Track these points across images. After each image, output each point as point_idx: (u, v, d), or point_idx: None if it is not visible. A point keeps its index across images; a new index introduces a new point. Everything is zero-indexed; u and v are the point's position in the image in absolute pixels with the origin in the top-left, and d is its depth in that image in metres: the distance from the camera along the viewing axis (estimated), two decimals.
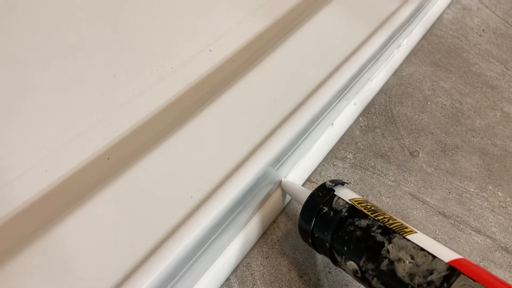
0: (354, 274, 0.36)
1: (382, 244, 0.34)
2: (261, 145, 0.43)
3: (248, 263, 0.46)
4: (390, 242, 0.34)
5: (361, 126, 0.61)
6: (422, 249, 0.33)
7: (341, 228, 0.37)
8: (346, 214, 0.38)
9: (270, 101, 0.47)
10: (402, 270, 0.33)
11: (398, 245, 0.34)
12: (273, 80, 0.50)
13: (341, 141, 0.59)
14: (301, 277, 0.45)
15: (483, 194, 0.55)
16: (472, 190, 0.55)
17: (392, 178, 0.55)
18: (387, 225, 0.36)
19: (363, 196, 0.52)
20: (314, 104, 0.47)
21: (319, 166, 0.55)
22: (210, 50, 0.55)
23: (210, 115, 0.45)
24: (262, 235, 0.48)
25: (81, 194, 0.38)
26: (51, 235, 0.35)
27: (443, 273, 0.31)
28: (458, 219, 0.52)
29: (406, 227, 0.36)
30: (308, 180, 0.54)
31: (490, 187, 0.56)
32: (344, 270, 0.38)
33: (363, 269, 0.35)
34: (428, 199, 0.53)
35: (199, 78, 0.51)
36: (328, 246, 0.38)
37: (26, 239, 0.35)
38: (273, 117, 0.46)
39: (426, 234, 0.35)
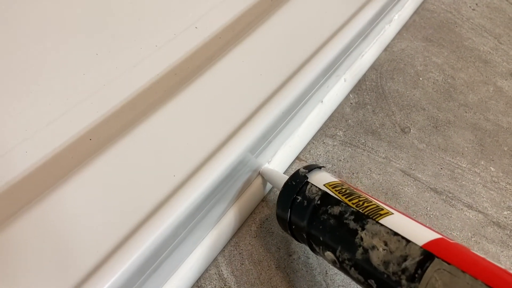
0: (333, 264, 0.35)
1: (355, 232, 0.33)
2: (248, 120, 0.42)
3: (236, 243, 0.45)
4: (363, 229, 0.33)
5: (351, 103, 0.60)
6: (395, 234, 0.31)
7: (315, 218, 0.36)
8: (319, 202, 0.37)
9: (256, 78, 0.46)
10: (376, 258, 0.31)
11: (371, 232, 0.32)
12: (260, 57, 0.48)
13: (331, 118, 0.58)
14: (290, 255, 0.45)
15: (475, 169, 0.54)
16: (464, 165, 0.54)
17: (383, 155, 0.54)
18: (361, 210, 0.34)
19: (350, 174, 0.52)
20: (301, 81, 0.46)
21: (308, 144, 0.55)
22: (196, 27, 0.53)
23: (194, 93, 0.44)
24: (251, 214, 0.48)
25: (62, 176, 0.37)
26: (21, 223, 0.34)
27: (417, 259, 0.29)
28: (450, 195, 0.51)
29: (381, 209, 0.34)
30: (298, 158, 0.53)
31: (483, 162, 0.55)
32: (324, 259, 0.37)
33: (340, 259, 0.34)
34: (419, 176, 0.53)
35: (184, 56, 0.50)
36: (305, 236, 0.37)
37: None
38: (259, 94, 0.44)
39: (403, 214, 0.34)
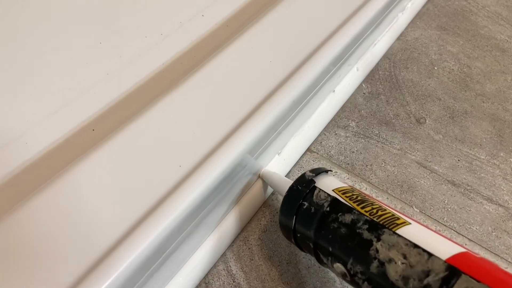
0: (343, 277, 0.32)
1: (370, 243, 0.30)
2: (256, 110, 0.40)
3: (246, 237, 0.43)
4: (378, 240, 0.30)
5: (364, 93, 0.58)
6: (416, 246, 0.28)
7: (324, 226, 0.33)
8: (328, 208, 0.33)
9: (264, 66, 0.44)
10: (394, 272, 0.28)
11: (388, 243, 0.29)
12: (268, 45, 0.47)
13: (343, 109, 0.56)
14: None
15: (494, 161, 0.52)
16: (482, 157, 0.52)
17: (398, 147, 0.52)
18: (375, 219, 0.31)
19: (363, 166, 0.50)
20: (311, 69, 0.44)
21: (320, 135, 0.53)
22: (203, 15, 0.51)
23: (199, 83, 0.42)
24: (260, 207, 0.46)
25: (65, 165, 0.36)
26: (23, 212, 0.33)
27: (441, 274, 0.26)
28: (468, 187, 0.49)
29: (398, 218, 0.31)
30: (309, 150, 0.51)
31: (502, 154, 0.52)
32: (332, 272, 0.34)
33: (351, 272, 0.31)
34: (436, 168, 0.51)
35: (190, 45, 0.48)
36: (312, 246, 0.34)
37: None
38: (268, 83, 0.43)
39: (420, 224, 0.31)
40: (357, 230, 0.31)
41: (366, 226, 0.31)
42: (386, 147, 0.52)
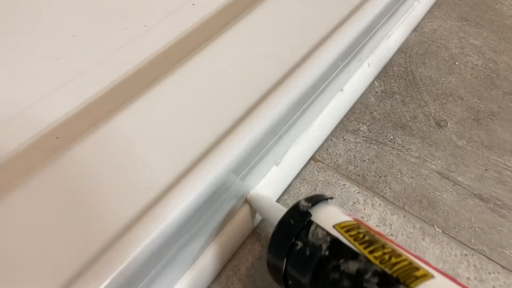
0: None
1: None
2: (248, 113, 0.33)
3: (236, 266, 0.37)
4: None
5: (376, 92, 0.51)
6: None
7: (321, 275, 0.27)
8: (327, 252, 0.27)
9: (260, 61, 0.38)
10: None
11: None
12: (266, 36, 0.41)
13: (353, 110, 0.50)
14: None
15: None
16: None
17: (416, 154, 0.45)
18: (388, 269, 0.24)
19: (376, 178, 0.43)
20: (315, 65, 0.38)
21: (326, 141, 0.46)
22: (193, 4, 0.45)
23: (183, 80, 0.36)
24: (252, 231, 0.39)
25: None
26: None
27: None
28: (498, 202, 0.42)
29: (417, 269, 0.24)
30: (313, 159, 0.45)
31: None
32: None
33: None
34: (460, 179, 0.44)
35: (178, 37, 0.42)
36: None
37: None
38: (264, 82, 0.36)
39: (446, 277, 0.25)
40: (364, 284, 0.24)
41: (375, 280, 0.24)
42: (402, 155, 0.45)
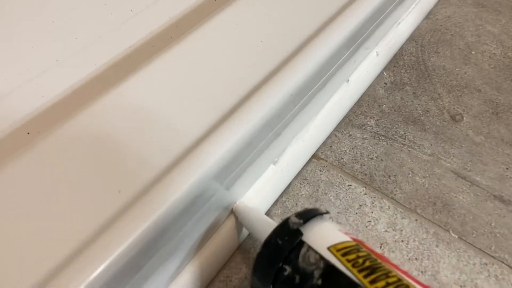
0: None
1: None
2: (238, 107, 0.29)
3: (228, 276, 0.33)
4: None
5: (386, 83, 0.47)
6: None
7: None
8: (320, 281, 0.23)
9: (254, 47, 0.34)
10: None
11: None
12: (261, 18, 0.37)
13: (359, 103, 0.46)
14: None
15: None
16: None
17: (429, 151, 0.42)
18: None
19: (385, 177, 0.39)
20: (316, 52, 0.34)
21: (329, 137, 0.43)
22: None
23: (168, 66, 0.33)
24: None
25: None
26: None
27: None
28: None
29: None
30: (315, 156, 0.41)
31: None
32: None
33: None
34: (478, 179, 0.40)
35: (167, 23, 0.38)
36: None
37: None
38: (257, 71, 0.32)
39: None
40: None
41: None
42: (414, 152, 0.41)
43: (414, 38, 0.53)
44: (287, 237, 0.25)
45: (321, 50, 0.34)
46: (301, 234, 0.25)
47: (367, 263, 0.23)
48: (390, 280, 0.22)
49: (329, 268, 0.23)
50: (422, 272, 0.33)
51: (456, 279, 0.33)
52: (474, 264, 0.34)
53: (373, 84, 0.48)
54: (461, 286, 0.33)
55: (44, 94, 0.32)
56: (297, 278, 0.24)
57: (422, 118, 0.45)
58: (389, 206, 0.37)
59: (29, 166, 0.27)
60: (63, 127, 0.29)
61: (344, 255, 0.23)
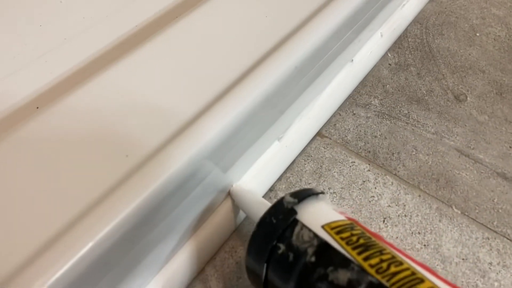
0: None
1: None
2: (237, 83, 0.29)
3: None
4: None
5: (390, 64, 0.47)
6: None
7: (305, 284, 0.23)
8: (313, 258, 0.23)
9: (258, 22, 0.34)
10: None
11: None
12: None
13: (363, 83, 0.46)
14: None
15: None
16: None
17: (433, 130, 0.42)
18: (386, 281, 0.20)
19: (389, 155, 0.39)
20: (318, 29, 0.34)
21: (334, 116, 0.43)
22: None
23: (171, 41, 0.33)
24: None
25: None
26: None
27: None
28: None
29: (421, 281, 0.20)
30: (319, 134, 0.41)
31: None
32: None
33: None
34: (481, 156, 0.40)
35: (174, 2, 0.38)
36: None
37: None
38: (260, 45, 0.32)
39: (452, 285, 0.21)
40: None
41: None
42: (417, 131, 0.41)
43: (418, 20, 0.53)
44: (281, 216, 0.25)
45: (325, 25, 0.34)
46: (295, 212, 0.25)
47: (361, 241, 0.23)
48: (384, 257, 0.21)
49: (323, 246, 0.23)
50: (424, 245, 0.34)
51: (458, 252, 0.33)
52: (476, 239, 0.34)
53: (377, 64, 0.48)
54: (463, 259, 0.33)
55: (52, 71, 0.33)
56: (291, 256, 0.23)
57: (426, 98, 0.45)
58: (392, 182, 0.38)
59: (37, 135, 0.27)
60: (71, 100, 0.30)
61: (338, 233, 0.23)
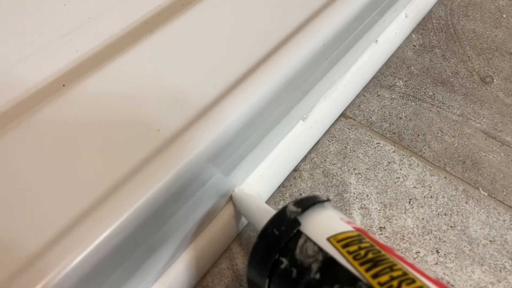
0: None
1: None
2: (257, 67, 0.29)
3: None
4: None
5: (414, 46, 0.47)
6: None
7: None
8: (318, 275, 0.21)
9: (280, 2, 0.34)
10: None
11: None
12: None
13: (388, 64, 0.45)
14: None
15: None
16: None
17: (458, 112, 0.41)
18: None
19: (414, 136, 0.39)
20: (343, 9, 0.33)
21: (358, 97, 0.42)
22: None
23: (199, 21, 0.33)
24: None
25: None
26: None
27: None
28: None
29: None
30: (343, 115, 0.41)
31: None
32: None
33: None
34: (508, 139, 0.39)
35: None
36: None
37: None
38: (280, 27, 0.32)
39: None
40: None
41: None
42: (443, 112, 0.41)
43: (443, 1, 0.52)
44: (284, 227, 0.23)
45: (352, 4, 0.34)
46: (298, 224, 0.23)
47: (370, 255, 0.21)
48: (395, 274, 0.20)
49: (328, 261, 0.21)
50: (451, 227, 0.33)
51: (485, 234, 0.33)
52: (504, 221, 0.34)
53: (401, 46, 0.47)
54: (490, 241, 0.33)
55: (78, 49, 0.33)
56: (294, 271, 0.22)
57: (451, 79, 0.44)
58: (418, 164, 0.37)
59: (64, 112, 0.27)
60: (96, 78, 0.30)
61: (345, 246, 0.21)
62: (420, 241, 0.32)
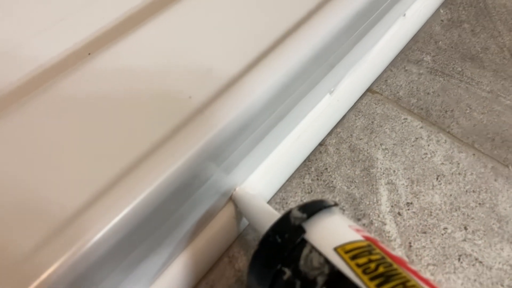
0: None
1: None
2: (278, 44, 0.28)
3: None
4: None
5: (442, 20, 0.45)
6: None
7: None
8: None
9: None
10: None
11: None
12: None
13: (415, 39, 0.44)
14: None
15: None
16: None
17: (488, 88, 0.40)
18: None
19: (442, 112, 0.38)
20: None
21: (385, 71, 0.41)
22: None
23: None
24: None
25: None
26: None
27: None
28: None
29: None
30: (370, 90, 0.40)
31: None
32: None
33: None
34: None
35: None
36: None
37: None
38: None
39: None
40: None
41: None
42: (471, 89, 0.40)
43: None
44: (287, 235, 0.22)
45: None
46: (303, 231, 0.21)
47: (381, 269, 0.19)
48: (409, 285, 0.18)
49: (335, 275, 0.19)
50: (479, 204, 0.33)
51: None
52: None
53: (429, 21, 0.46)
54: None
55: (104, 16, 0.32)
56: (298, 284, 0.20)
57: (480, 55, 0.43)
58: (445, 140, 0.36)
59: (91, 79, 0.27)
60: (122, 46, 0.29)
61: (353, 258, 0.20)
62: (448, 218, 0.32)
